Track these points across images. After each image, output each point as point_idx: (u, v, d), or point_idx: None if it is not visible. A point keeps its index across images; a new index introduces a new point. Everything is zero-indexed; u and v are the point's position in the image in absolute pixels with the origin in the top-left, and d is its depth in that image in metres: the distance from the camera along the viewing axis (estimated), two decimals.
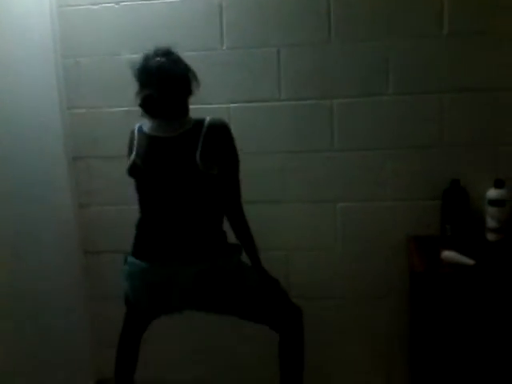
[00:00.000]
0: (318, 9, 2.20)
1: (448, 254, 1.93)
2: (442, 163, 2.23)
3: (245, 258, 1.91)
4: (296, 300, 2.04)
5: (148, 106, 1.76)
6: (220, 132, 1.78)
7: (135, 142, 1.83)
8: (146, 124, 1.84)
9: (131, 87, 1.80)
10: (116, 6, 2.31)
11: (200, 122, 1.77)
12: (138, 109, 1.81)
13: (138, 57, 1.80)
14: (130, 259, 1.84)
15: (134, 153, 1.81)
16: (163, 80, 1.74)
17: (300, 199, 2.35)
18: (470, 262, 1.88)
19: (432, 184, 2.23)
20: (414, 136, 2.23)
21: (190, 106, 1.85)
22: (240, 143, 1.96)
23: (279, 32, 2.25)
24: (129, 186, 1.89)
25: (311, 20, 2.22)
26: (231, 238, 1.90)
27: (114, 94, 2.36)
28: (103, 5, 2.32)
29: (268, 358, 2.06)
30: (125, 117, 2.27)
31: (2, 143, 1.98)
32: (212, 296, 1.82)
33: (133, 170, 1.82)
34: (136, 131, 1.85)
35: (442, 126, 2.21)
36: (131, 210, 1.91)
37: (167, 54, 1.77)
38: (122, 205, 2.40)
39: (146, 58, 1.77)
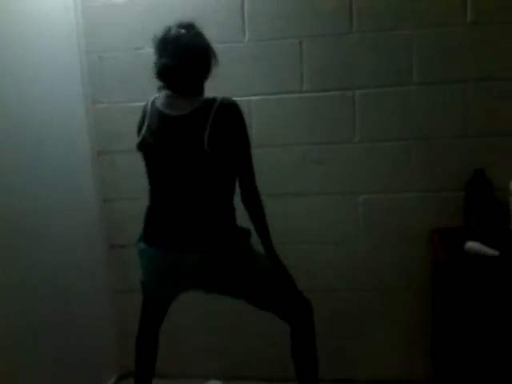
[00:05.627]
0: None
1: (472, 245, 1.91)
2: (466, 154, 2.20)
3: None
4: (317, 292, 2.02)
5: (164, 76, 1.73)
6: (230, 112, 1.71)
7: (147, 116, 1.79)
8: (160, 98, 1.78)
9: (154, 81, 1.79)
10: (139, 1, 2.32)
11: (210, 101, 1.71)
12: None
13: None
14: (140, 242, 1.84)
15: (145, 128, 1.77)
16: (180, 50, 1.70)
17: (322, 191, 2.34)
18: (495, 253, 1.86)
19: (456, 175, 2.21)
20: (437, 126, 2.21)
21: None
22: (261, 136, 1.94)
23: (301, 23, 2.24)
24: None
25: (333, 10, 2.20)
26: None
27: (138, 88, 2.35)
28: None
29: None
30: None
31: (27, 139, 2.00)
32: (218, 280, 1.80)
33: (142, 146, 1.78)
34: (149, 104, 1.80)
35: (467, 116, 2.19)
36: None
37: (189, 27, 1.74)
38: (146, 199, 2.41)
39: (167, 30, 1.73)
